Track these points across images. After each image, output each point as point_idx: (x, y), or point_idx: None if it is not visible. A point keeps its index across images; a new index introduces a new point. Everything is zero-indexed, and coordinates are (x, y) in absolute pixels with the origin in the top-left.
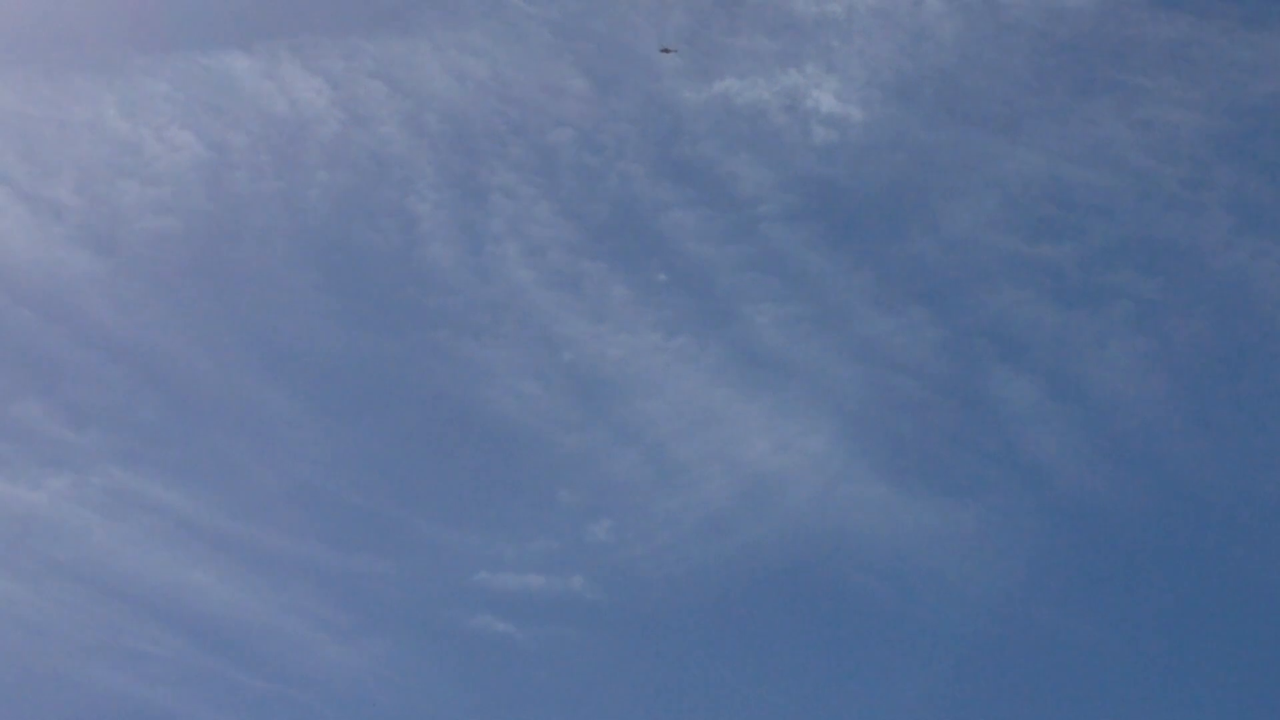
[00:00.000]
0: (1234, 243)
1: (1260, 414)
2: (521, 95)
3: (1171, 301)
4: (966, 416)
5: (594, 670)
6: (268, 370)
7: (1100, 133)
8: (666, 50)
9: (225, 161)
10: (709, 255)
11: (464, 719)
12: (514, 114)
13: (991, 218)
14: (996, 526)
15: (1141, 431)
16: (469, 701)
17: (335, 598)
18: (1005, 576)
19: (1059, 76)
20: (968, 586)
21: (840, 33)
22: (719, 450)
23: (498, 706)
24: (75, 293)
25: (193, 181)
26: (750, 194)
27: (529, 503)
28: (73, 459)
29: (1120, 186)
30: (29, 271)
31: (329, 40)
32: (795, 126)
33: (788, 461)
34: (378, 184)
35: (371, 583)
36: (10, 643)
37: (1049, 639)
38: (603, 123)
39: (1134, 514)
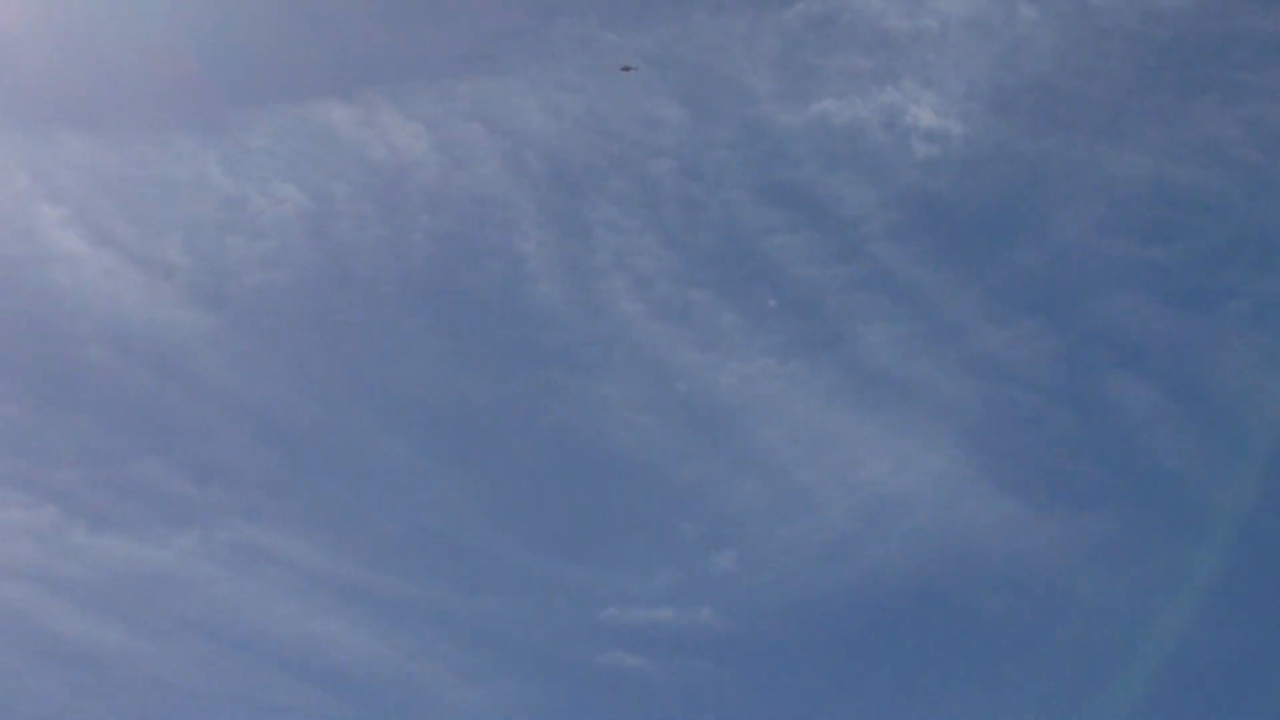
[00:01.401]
0: None
1: None
2: (619, 128)
3: None
4: (1087, 425)
5: (727, 701)
6: (382, 417)
7: (1205, 131)
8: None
9: (328, 211)
10: (817, 277)
11: None
12: (612, 147)
13: (1100, 223)
14: (1126, 536)
15: (1267, 430)
16: None
17: (463, 641)
18: (1139, 587)
19: (1160, 77)
20: (1100, 599)
21: (935, 47)
22: (838, 473)
23: None
24: (189, 350)
25: (297, 233)
26: (854, 214)
27: (651, 536)
28: (197, 515)
29: (1229, 184)
30: (143, 332)
31: (424, 84)
32: (895, 143)
33: (908, 481)
34: (481, 225)
35: (499, 624)
36: (146, 702)
37: (1189, 649)
38: (702, 151)
39: (1266, 514)
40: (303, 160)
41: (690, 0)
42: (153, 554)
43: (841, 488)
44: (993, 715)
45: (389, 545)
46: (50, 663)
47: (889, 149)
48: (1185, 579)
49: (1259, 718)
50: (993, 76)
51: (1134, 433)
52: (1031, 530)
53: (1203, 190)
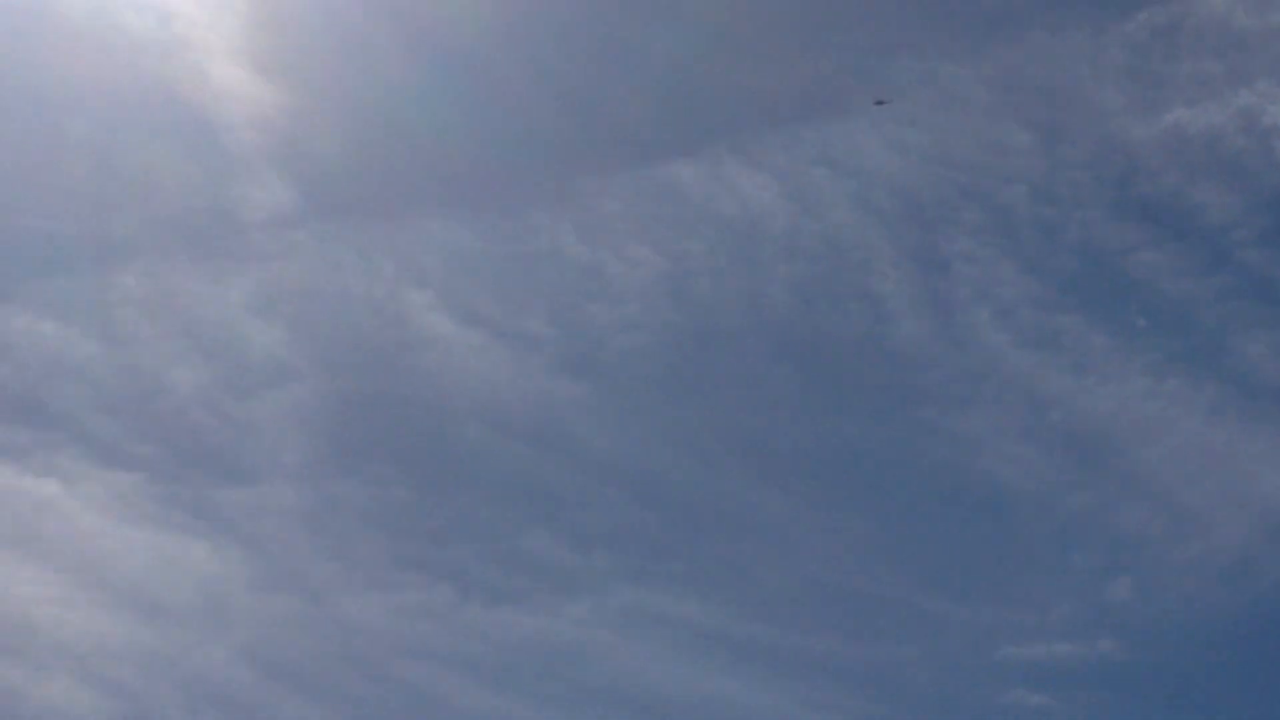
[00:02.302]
0: None
1: None
2: (967, 158)
3: None
4: None
5: None
6: (757, 470)
7: None
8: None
9: (684, 270)
10: (1187, 291)
11: None
12: (962, 178)
13: None
14: None
15: None
16: None
17: (859, 690)
18: None
19: None
20: None
21: None
22: (1230, 490)
23: None
24: (561, 420)
25: (656, 294)
26: (1219, 221)
27: (1042, 569)
28: (586, 583)
29: None
30: (516, 405)
31: (767, 134)
32: (1255, 147)
33: None
34: (836, 269)
35: (894, 670)
36: None
37: None
38: (1054, 173)
39: None
40: (655, 222)
41: (1028, 21)
42: (547, 625)
43: (1235, 506)
44: None
45: (777, 598)
46: None
47: (1249, 153)
48: None
49: None
50: None
51: None
52: None
53: None
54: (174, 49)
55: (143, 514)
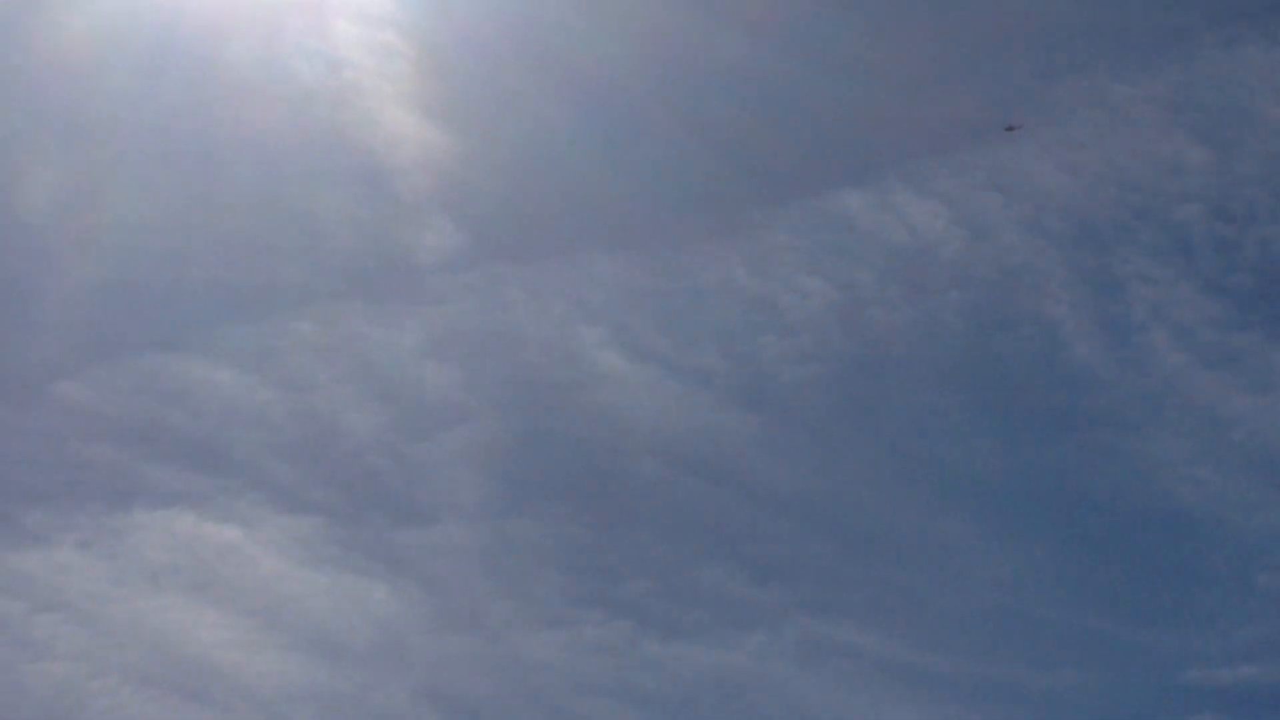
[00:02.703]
0: None
1: None
2: (1139, 178)
3: None
4: None
5: None
6: (933, 498)
7: None
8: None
9: (856, 300)
10: None
11: None
12: (1135, 199)
13: None
14: None
15: None
16: None
17: (1044, 717)
18: None
19: None
20: None
21: None
22: None
23: None
24: (734, 453)
25: (828, 325)
26: None
27: (1226, 591)
28: (762, 616)
29: None
30: (689, 440)
31: (936, 161)
32: None
33: None
34: (1009, 294)
35: (1080, 696)
36: None
37: None
38: (1230, 190)
39: None
40: (824, 252)
41: (1197, 38)
42: (724, 658)
43: None
44: None
45: (955, 626)
46: None
47: None
48: None
49: None
50: None
51: None
52: None
53: None
54: (344, 96)
55: (322, 557)
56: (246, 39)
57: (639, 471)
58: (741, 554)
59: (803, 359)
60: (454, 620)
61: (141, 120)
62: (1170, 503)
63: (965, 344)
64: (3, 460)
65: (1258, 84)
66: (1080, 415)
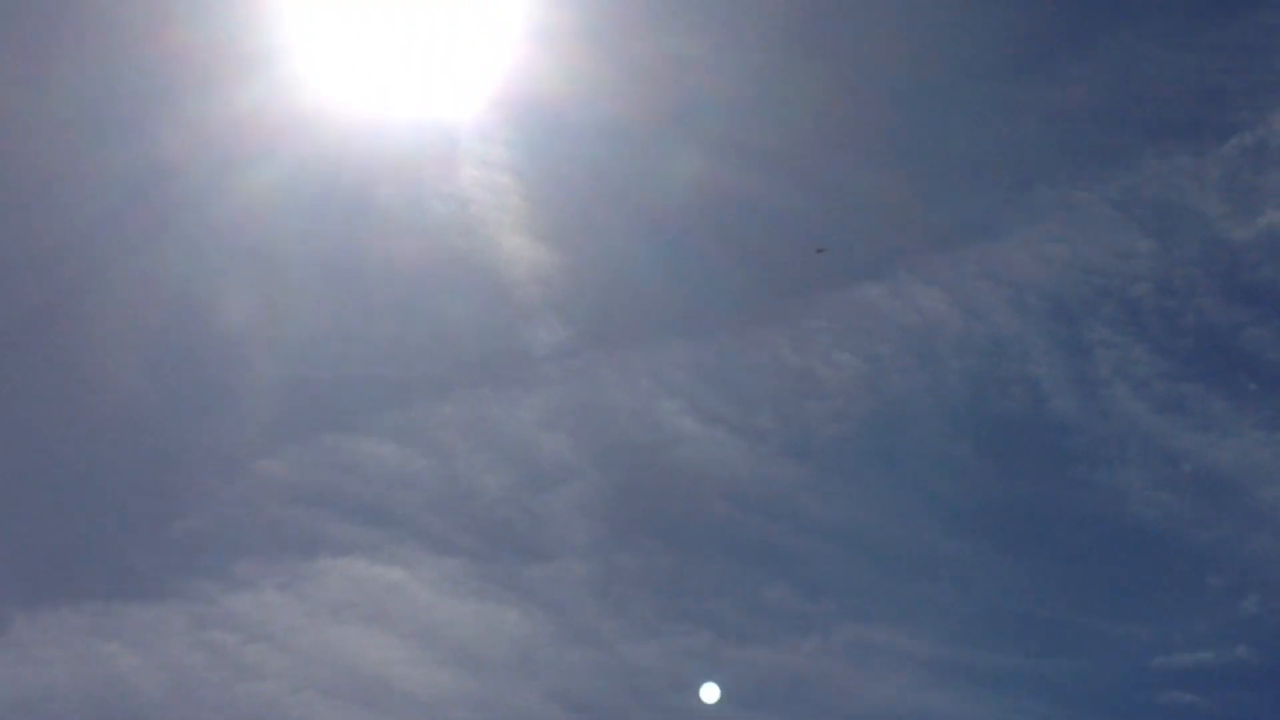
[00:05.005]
0: None
1: None
2: (1099, 264)
3: None
4: None
5: None
6: (947, 524)
7: None
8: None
9: (878, 370)
10: None
11: None
12: (1097, 280)
13: None
14: None
15: None
16: None
17: (1044, 697)
18: None
19: None
20: None
21: None
22: None
23: None
24: (788, 495)
25: (857, 391)
26: None
27: (1183, 592)
28: (815, 624)
29: None
30: (752, 486)
31: (938, 256)
32: None
33: None
34: (1000, 361)
35: (1071, 679)
36: None
37: None
38: (1172, 270)
39: None
40: (852, 332)
41: (1139, 151)
42: (786, 659)
43: None
44: None
45: (970, 625)
46: None
47: None
48: None
49: None
50: None
51: None
52: None
53: None
54: (471, 226)
55: (467, 590)
56: (393, 184)
57: (713, 512)
58: (796, 574)
59: (838, 418)
60: (572, 636)
61: (313, 251)
62: (1134, 522)
63: (966, 402)
64: (217, 522)
65: (1189, 186)
66: (1059, 455)
